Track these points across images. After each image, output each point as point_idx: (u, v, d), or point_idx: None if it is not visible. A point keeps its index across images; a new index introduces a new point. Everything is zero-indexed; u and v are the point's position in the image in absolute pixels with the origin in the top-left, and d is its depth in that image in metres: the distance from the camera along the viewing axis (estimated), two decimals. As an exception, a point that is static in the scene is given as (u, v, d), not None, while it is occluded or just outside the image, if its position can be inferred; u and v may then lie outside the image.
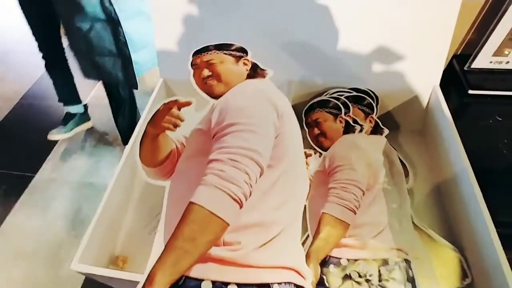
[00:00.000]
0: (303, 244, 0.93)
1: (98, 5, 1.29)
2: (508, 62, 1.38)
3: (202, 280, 0.60)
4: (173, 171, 0.89)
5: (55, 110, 2.14)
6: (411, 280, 0.86)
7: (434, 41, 1.20)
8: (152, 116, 0.83)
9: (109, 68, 1.47)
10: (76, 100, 1.96)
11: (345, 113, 1.16)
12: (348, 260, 0.87)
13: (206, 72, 0.91)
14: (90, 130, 2.10)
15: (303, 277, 0.70)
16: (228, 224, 0.60)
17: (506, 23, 1.25)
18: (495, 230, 0.86)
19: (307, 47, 1.28)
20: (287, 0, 1.19)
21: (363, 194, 0.94)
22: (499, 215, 0.91)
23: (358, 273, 0.84)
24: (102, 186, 1.68)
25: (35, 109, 2.34)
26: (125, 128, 1.80)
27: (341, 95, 1.23)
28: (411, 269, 0.88)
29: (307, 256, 0.84)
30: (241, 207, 0.62)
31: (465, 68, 1.41)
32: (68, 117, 1.97)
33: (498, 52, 1.35)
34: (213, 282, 0.60)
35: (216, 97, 0.88)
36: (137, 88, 1.55)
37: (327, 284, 0.85)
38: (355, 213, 0.91)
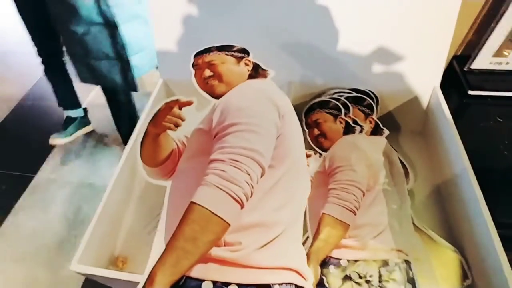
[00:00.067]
0: (303, 244, 0.93)
1: (95, 8, 1.28)
2: (508, 63, 1.38)
3: (202, 280, 0.60)
4: (174, 171, 0.89)
5: (55, 111, 2.13)
6: (411, 281, 0.86)
7: (434, 42, 1.21)
8: (153, 116, 0.83)
9: (105, 72, 1.46)
10: (75, 104, 1.96)
11: (345, 114, 1.16)
12: (348, 261, 0.87)
13: (207, 73, 0.91)
14: (90, 131, 2.10)
15: (304, 278, 0.70)
16: (229, 225, 0.60)
17: (506, 24, 1.26)
18: (495, 231, 0.86)
19: (307, 48, 1.28)
20: (287, 0, 1.20)
21: (363, 194, 0.94)
22: (499, 216, 0.91)
23: (358, 274, 0.84)
24: (102, 186, 1.67)
25: (35, 110, 2.34)
26: (126, 131, 1.80)
27: (341, 96, 1.23)
28: (411, 270, 0.88)
29: (307, 256, 0.84)
30: (242, 207, 0.62)
31: (465, 69, 1.42)
32: (69, 121, 1.97)
33: (498, 53, 1.35)
34: (214, 283, 0.60)
35: (217, 97, 0.88)
36: (136, 91, 1.55)
37: (327, 285, 0.85)
38: (355, 214, 0.91)
